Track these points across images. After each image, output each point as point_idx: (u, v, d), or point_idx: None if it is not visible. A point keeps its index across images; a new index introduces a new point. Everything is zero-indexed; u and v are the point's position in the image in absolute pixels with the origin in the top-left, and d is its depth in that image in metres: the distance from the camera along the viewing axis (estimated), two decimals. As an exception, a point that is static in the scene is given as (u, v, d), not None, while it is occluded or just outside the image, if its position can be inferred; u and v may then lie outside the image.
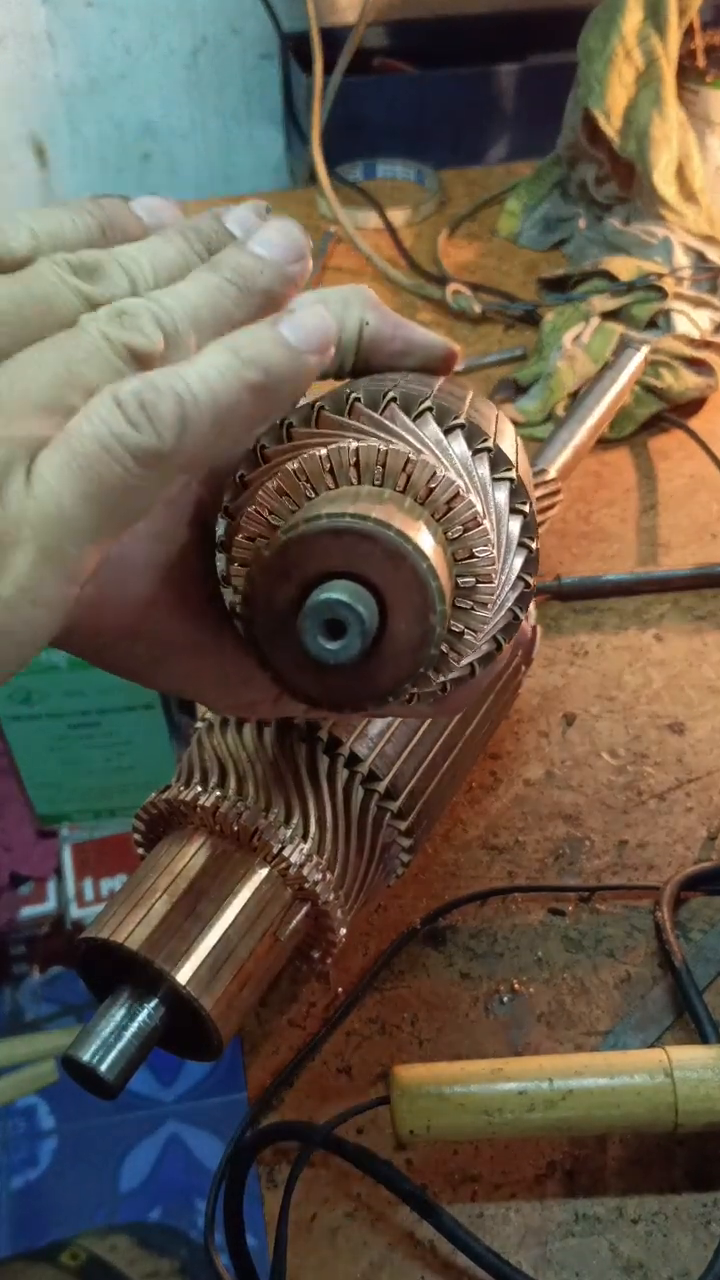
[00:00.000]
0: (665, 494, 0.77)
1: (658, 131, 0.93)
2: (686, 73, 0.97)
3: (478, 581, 0.32)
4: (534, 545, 0.34)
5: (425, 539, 0.29)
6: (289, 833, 0.44)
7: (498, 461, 0.33)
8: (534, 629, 0.58)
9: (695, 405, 0.83)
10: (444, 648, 0.33)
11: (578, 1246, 0.42)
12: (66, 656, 1.37)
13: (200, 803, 0.44)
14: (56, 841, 1.62)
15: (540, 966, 0.51)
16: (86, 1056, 0.38)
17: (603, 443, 0.80)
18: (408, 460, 0.31)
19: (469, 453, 0.33)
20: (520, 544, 0.34)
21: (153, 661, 0.37)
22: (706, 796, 0.58)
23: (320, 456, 0.31)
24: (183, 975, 0.40)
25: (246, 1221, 0.44)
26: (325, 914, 0.45)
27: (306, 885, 0.44)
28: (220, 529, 0.34)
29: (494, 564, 0.32)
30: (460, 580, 0.32)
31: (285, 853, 0.44)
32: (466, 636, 0.32)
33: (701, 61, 0.98)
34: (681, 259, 0.91)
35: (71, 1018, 1.45)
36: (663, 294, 0.86)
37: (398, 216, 1.08)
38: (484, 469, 0.33)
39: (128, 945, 0.40)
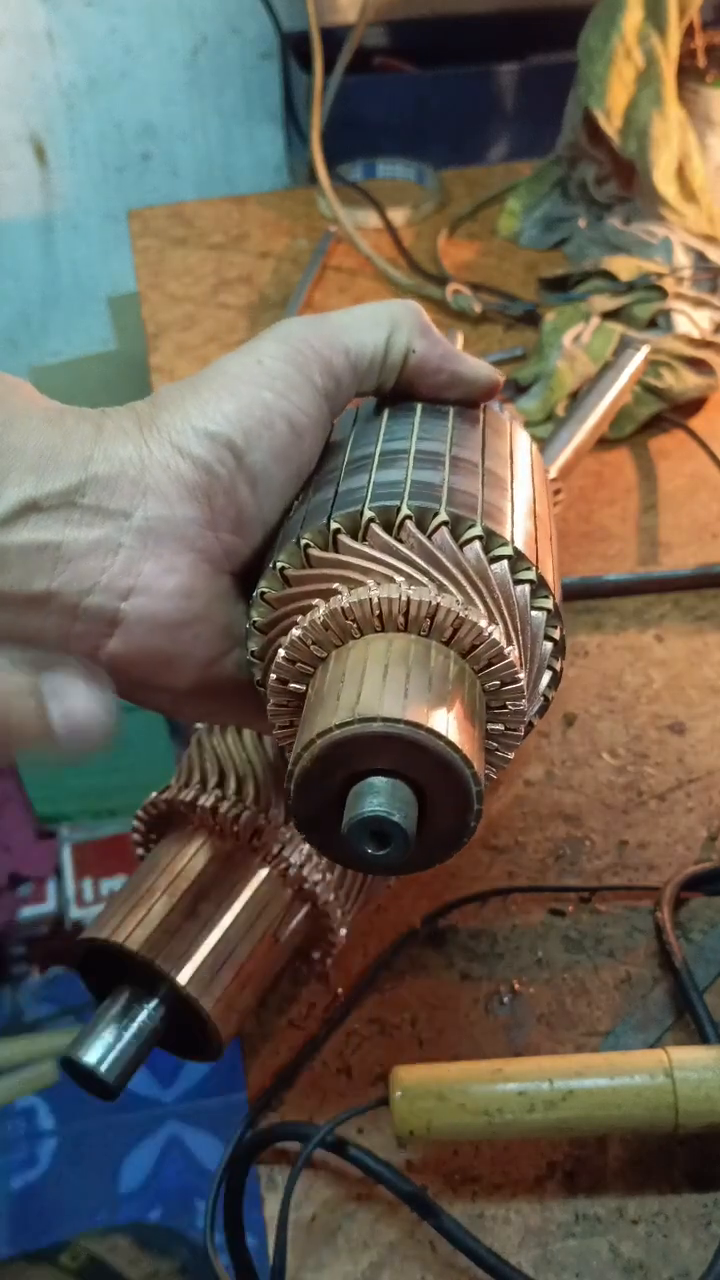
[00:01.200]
0: (665, 494, 0.77)
1: (658, 131, 0.93)
2: (687, 72, 0.97)
3: (506, 728, 0.33)
4: (560, 666, 0.34)
5: (470, 740, 0.29)
6: (289, 833, 0.44)
7: (539, 589, 0.33)
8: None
9: (695, 405, 0.83)
10: None
11: (578, 1247, 0.42)
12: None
13: (200, 803, 0.44)
14: (56, 842, 1.62)
15: (540, 967, 0.51)
16: (87, 1058, 0.38)
17: (603, 443, 0.80)
18: (456, 617, 0.31)
19: (510, 580, 0.32)
20: (549, 667, 0.34)
21: (174, 703, 0.37)
22: (707, 797, 0.58)
23: (370, 601, 0.31)
24: (183, 976, 0.40)
25: (246, 1221, 0.44)
26: (325, 914, 0.45)
27: (306, 886, 0.44)
28: (256, 614, 0.34)
29: (524, 715, 0.32)
30: (490, 726, 0.32)
31: (285, 853, 0.44)
32: (489, 772, 0.33)
33: (702, 61, 0.98)
34: (682, 258, 0.91)
35: (71, 1018, 1.45)
36: (663, 294, 0.86)
37: (398, 216, 1.08)
38: (524, 596, 0.33)
39: (128, 946, 0.40)
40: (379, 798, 0.29)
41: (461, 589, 0.32)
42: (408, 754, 0.29)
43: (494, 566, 0.32)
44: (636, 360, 0.76)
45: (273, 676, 0.33)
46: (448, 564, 0.32)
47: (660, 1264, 0.42)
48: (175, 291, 1.01)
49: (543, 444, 0.70)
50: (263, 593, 0.34)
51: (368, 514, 0.32)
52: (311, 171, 1.05)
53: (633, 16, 0.93)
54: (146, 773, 1.51)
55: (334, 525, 0.32)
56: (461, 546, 0.32)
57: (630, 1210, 0.43)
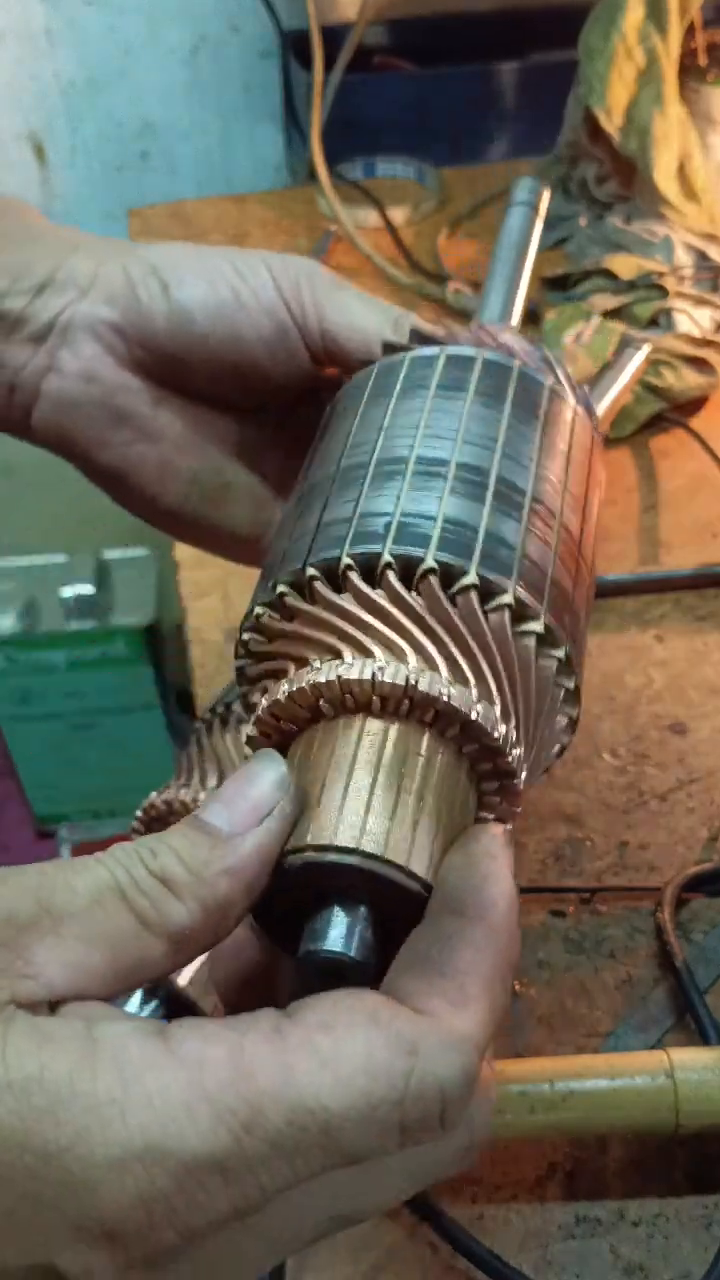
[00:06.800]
0: (666, 493, 0.77)
1: (659, 130, 0.93)
2: (688, 71, 0.97)
3: (501, 782, 0.30)
4: (575, 713, 0.31)
5: (433, 862, 0.26)
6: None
7: (545, 639, 0.29)
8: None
9: (696, 404, 0.83)
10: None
11: (578, 1249, 0.42)
12: (66, 657, 1.37)
13: (198, 802, 0.44)
14: (56, 842, 1.61)
15: (541, 968, 0.51)
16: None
17: (603, 442, 0.80)
18: (416, 690, 0.27)
19: (533, 660, 0.29)
20: (563, 712, 0.31)
21: (92, 470, 0.41)
22: (708, 797, 0.57)
23: (339, 682, 0.27)
24: (183, 977, 0.40)
25: (246, 1223, 0.44)
26: None
27: None
28: (239, 660, 0.32)
29: (517, 774, 0.29)
30: (483, 784, 0.30)
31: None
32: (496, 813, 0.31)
33: (703, 60, 0.98)
34: (683, 257, 0.91)
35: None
36: (664, 292, 0.86)
37: (398, 215, 1.08)
38: (548, 673, 0.29)
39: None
40: (335, 931, 0.26)
41: (475, 665, 0.28)
42: (367, 881, 0.26)
43: (519, 641, 0.28)
44: (637, 359, 0.76)
45: (253, 731, 0.30)
46: (469, 639, 0.28)
47: (660, 1265, 0.41)
48: (175, 290, 1.01)
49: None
50: (244, 640, 0.31)
51: (386, 558, 0.28)
52: (311, 170, 1.05)
53: (633, 15, 0.93)
54: (146, 773, 1.52)
55: (347, 562, 0.28)
56: (486, 615, 0.28)
57: (631, 1212, 0.43)
